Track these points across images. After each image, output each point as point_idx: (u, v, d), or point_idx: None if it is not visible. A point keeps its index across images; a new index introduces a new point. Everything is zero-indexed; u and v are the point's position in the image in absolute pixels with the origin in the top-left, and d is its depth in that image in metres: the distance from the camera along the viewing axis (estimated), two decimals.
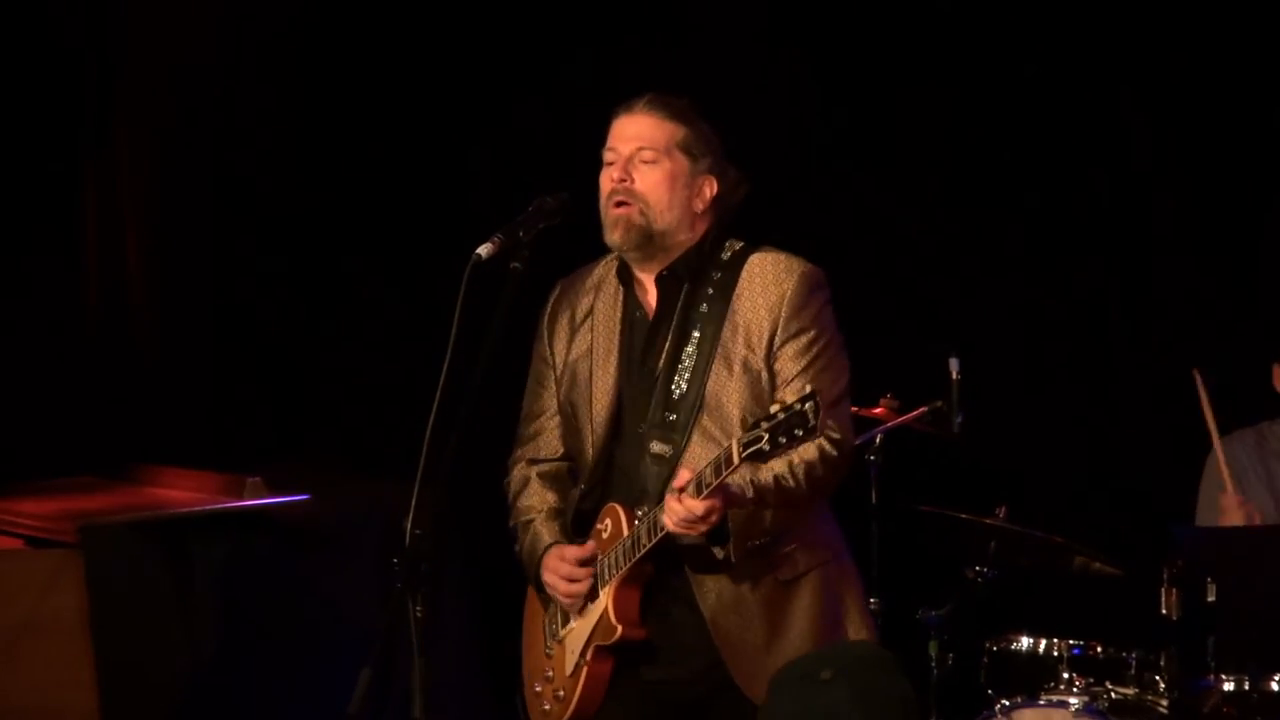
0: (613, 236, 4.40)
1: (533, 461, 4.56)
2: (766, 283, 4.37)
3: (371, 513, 5.52)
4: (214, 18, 6.77)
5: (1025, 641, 5.53)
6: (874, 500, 5.88)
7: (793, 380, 4.30)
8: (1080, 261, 6.68)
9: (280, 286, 6.83)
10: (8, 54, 6.51)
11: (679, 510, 4.14)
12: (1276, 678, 5.19)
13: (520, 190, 4.45)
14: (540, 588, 4.50)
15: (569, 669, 4.43)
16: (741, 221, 4.57)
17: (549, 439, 4.55)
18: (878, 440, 5.83)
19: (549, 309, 4.59)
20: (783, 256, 4.42)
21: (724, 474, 4.08)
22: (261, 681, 5.51)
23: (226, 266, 6.81)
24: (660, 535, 4.23)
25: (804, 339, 4.34)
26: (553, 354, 4.54)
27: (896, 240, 6.75)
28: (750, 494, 4.22)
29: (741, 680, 4.33)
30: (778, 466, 4.24)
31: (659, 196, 4.36)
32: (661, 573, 4.36)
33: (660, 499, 4.26)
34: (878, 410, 5.86)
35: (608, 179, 4.40)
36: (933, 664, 5.78)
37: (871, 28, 6.72)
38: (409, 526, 3.97)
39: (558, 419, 4.53)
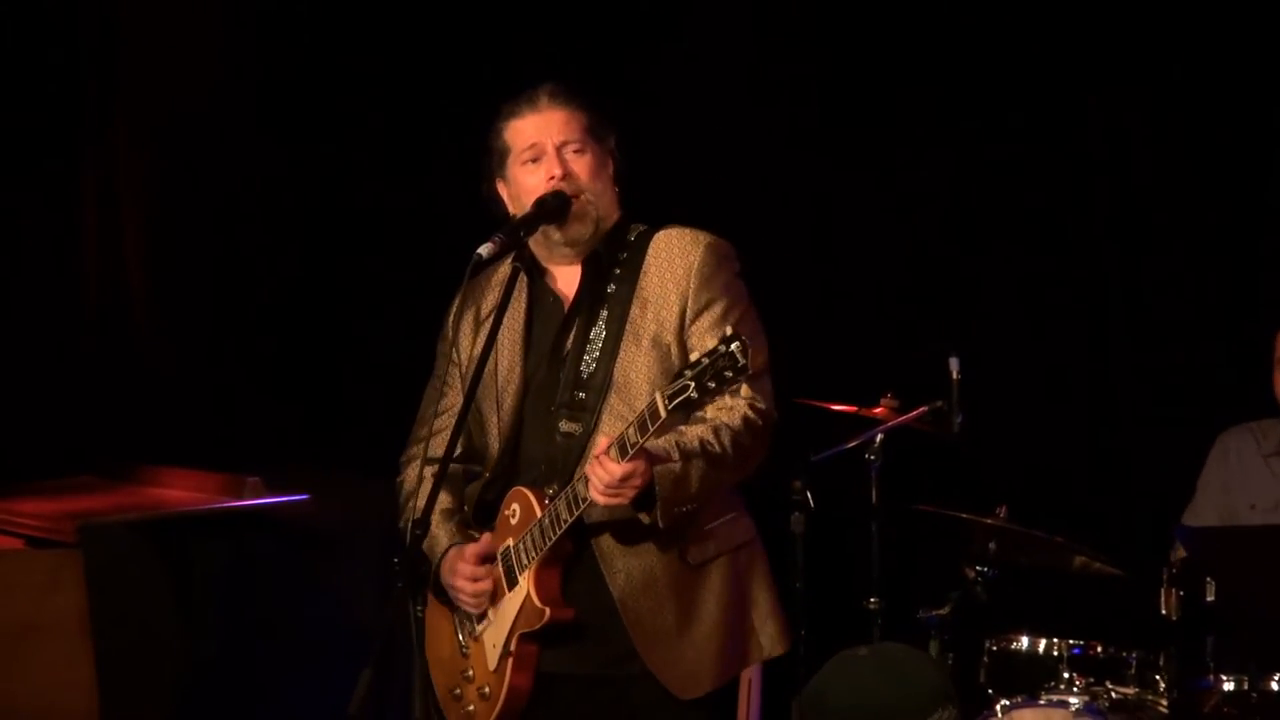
0: (573, 230, 4.31)
1: (429, 461, 4.36)
2: (672, 255, 4.30)
3: (371, 513, 5.51)
4: (214, 15, 6.76)
5: (1025, 641, 5.53)
6: (874, 500, 5.87)
7: None
8: (1080, 262, 6.68)
9: (280, 286, 6.83)
10: (7, 52, 6.51)
11: (602, 475, 4.03)
12: (1276, 678, 5.19)
13: None
14: (440, 591, 4.38)
15: (492, 664, 4.32)
16: (738, 221, 4.56)
17: (448, 439, 4.30)
18: (878, 440, 5.82)
19: (454, 309, 4.50)
20: (688, 230, 4.35)
21: (651, 429, 3.98)
22: (261, 681, 5.50)
23: (226, 266, 6.80)
24: (582, 508, 4.13)
25: (717, 309, 4.26)
26: (458, 353, 4.45)
27: (897, 240, 6.75)
28: (676, 455, 4.12)
29: (655, 665, 4.23)
30: (702, 431, 4.16)
31: (593, 183, 4.33)
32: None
33: (572, 475, 4.20)
34: (878, 410, 5.85)
35: (542, 175, 4.31)
36: None
37: (870, 25, 6.72)
38: (409, 527, 3.97)
39: (458, 419, 4.36)
